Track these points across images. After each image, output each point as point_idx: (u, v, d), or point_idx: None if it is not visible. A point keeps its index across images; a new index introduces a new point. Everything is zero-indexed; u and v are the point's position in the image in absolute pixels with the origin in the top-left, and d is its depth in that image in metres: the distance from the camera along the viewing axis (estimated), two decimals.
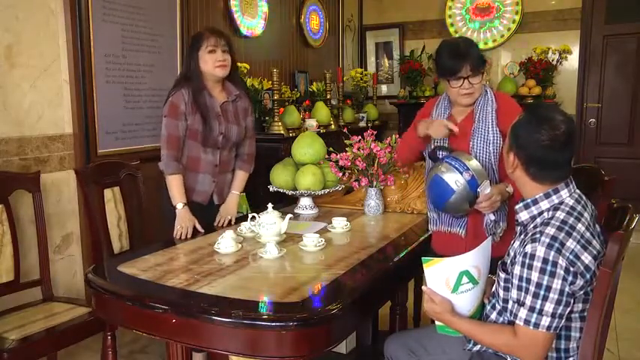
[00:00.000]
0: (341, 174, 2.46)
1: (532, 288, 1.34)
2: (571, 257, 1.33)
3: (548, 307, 1.33)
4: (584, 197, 1.47)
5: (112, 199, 2.55)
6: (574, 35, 5.00)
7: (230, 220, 2.37)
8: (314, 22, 5.06)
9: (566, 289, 1.32)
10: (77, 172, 2.45)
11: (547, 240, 1.34)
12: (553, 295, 1.33)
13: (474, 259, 1.50)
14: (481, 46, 5.21)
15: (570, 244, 1.34)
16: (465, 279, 1.50)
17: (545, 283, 1.33)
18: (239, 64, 3.67)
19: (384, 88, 5.85)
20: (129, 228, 2.62)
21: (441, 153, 1.91)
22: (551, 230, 1.36)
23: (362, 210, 2.50)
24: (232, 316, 1.37)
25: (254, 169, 2.55)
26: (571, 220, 1.38)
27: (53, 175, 2.70)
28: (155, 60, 3.21)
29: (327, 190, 2.52)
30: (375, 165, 2.37)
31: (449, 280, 1.50)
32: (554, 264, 1.32)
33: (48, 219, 2.52)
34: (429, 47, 5.42)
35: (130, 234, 2.62)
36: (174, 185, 2.25)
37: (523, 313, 1.36)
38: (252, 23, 4.12)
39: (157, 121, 3.14)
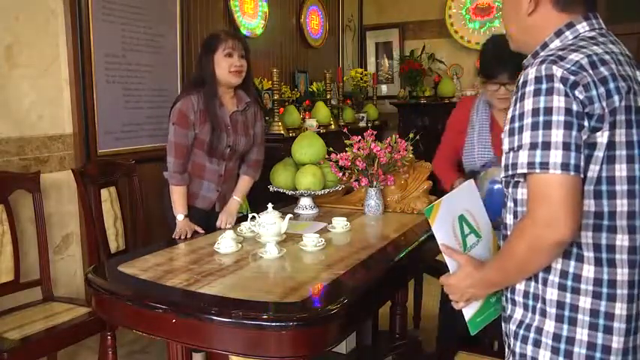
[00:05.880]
0: (341, 174, 2.46)
1: (528, 120, 1.02)
2: (572, 68, 1.02)
3: (555, 135, 0.99)
4: (613, 36, 1.16)
5: (109, 199, 2.56)
6: None
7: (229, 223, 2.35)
8: (314, 22, 5.06)
9: (573, 107, 1.00)
10: (75, 172, 2.46)
11: (539, 60, 1.06)
12: (557, 117, 0.99)
13: (462, 200, 1.32)
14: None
15: (575, 56, 1.04)
16: (466, 228, 1.31)
17: (542, 105, 1.01)
18: None
19: (384, 88, 5.85)
20: (125, 228, 2.63)
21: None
22: (548, 52, 1.09)
23: (362, 210, 2.50)
24: (232, 316, 1.37)
25: None
26: (582, 43, 1.08)
27: (53, 175, 2.70)
28: (155, 60, 3.21)
29: (327, 190, 2.52)
30: (375, 165, 2.37)
31: (455, 229, 1.28)
32: (549, 77, 1.01)
33: (48, 219, 2.52)
34: (429, 47, 5.42)
35: (125, 234, 2.63)
36: (177, 196, 2.22)
37: (524, 156, 1.02)
38: (252, 23, 4.12)
39: (157, 121, 3.15)
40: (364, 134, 2.43)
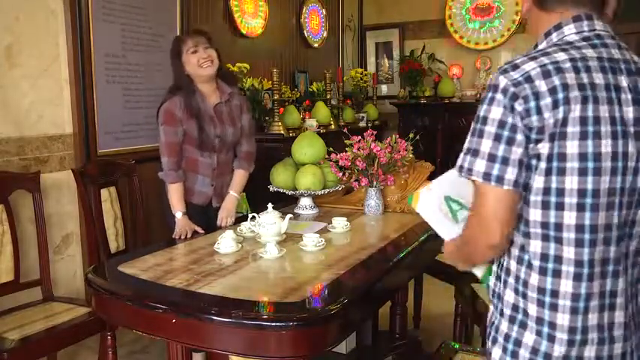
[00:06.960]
0: (341, 174, 2.46)
1: (472, 125, 1.05)
2: (518, 79, 1.00)
3: (485, 144, 1.01)
4: (602, 39, 1.09)
5: (109, 199, 2.56)
6: None
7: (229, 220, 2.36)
8: (314, 22, 5.06)
9: (509, 119, 0.99)
10: (75, 172, 2.46)
11: (501, 67, 1.06)
12: (489, 128, 1.00)
13: (446, 186, 1.31)
14: (481, 46, 5.22)
15: (527, 66, 1.01)
16: (455, 205, 1.31)
17: (482, 113, 1.02)
18: (239, 64, 3.68)
19: (384, 88, 5.85)
20: (125, 228, 2.63)
21: None
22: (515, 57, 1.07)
23: (362, 210, 2.50)
24: (232, 316, 1.37)
25: (254, 169, 2.54)
26: (550, 49, 1.05)
27: (53, 175, 2.70)
28: (155, 60, 3.20)
29: (327, 190, 2.52)
30: (375, 165, 2.37)
31: (443, 209, 1.30)
32: (494, 88, 1.01)
33: (48, 219, 2.52)
34: (429, 47, 5.41)
35: (125, 234, 2.63)
36: (174, 194, 2.24)
37: (460, 158, 1.06)
38: (252, 23, 4.12)
39: (156, 121, 3.14)
40: (364, 134, 2.43)
